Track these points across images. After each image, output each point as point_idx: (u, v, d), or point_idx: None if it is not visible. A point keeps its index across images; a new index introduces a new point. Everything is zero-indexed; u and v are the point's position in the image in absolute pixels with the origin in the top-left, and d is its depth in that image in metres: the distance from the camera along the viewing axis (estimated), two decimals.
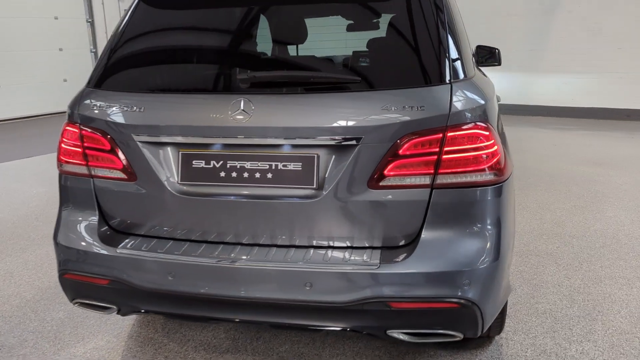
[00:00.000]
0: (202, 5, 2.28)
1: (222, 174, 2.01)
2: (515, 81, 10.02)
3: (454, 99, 1.89)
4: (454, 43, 2.03)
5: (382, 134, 1.89)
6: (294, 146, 1.96)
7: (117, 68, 2.21)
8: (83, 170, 2.16)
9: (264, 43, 2.18)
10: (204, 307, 2.05)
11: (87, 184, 2.17)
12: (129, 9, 2.30)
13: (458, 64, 2.01)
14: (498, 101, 3.08)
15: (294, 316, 1.99)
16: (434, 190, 1.91)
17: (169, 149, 2.06)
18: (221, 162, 2.01)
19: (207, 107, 2.01)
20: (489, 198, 1.94)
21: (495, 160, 1.93)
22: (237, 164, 2.00)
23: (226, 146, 2.01)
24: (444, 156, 1.89)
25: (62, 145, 2.18)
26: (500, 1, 9.98)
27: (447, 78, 1.93)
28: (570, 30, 9.43)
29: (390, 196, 1.92)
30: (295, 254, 1.98)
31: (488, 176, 1.93)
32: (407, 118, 1.87)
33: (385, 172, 1.90)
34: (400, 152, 1.89)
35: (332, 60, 2.13)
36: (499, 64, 4.40)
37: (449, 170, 1.90)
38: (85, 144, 2.14)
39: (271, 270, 1.94)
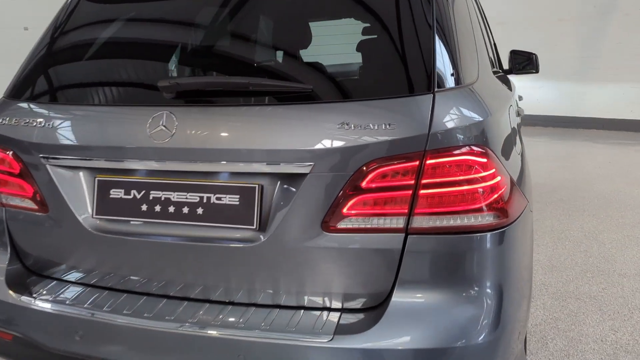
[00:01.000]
0: (130, 4, 1.86)
1: (144, 207, 1.58)
2: (565, 91, 9.23)
3: (437, 113, 1.40)
4: (443, 43, 1.53)
5: (339, 161, 1.41)
6: (230, 174, 1.52)
7: (38, 75, 1.82)
8: None
9: (200, 44, 1.73)
10: None
11: None
12: (61, 10, 1.92)
13: (447, 68, 1.51)
14: (519, 115, 2.54)
15: None
16: (409, 237, 1.42)
17: (81, 174, 1.65)
18: (143, 192, 1.58)
19: (126, 123, 1.59)
20: (487, 248, 1.43)
21: (495, 196, 1.42)
22: (162, 194, 1.57)
23: (149, 172, 1.59)
24: (422, 191, 1.40)
25: None
26: (551, 5, 9.24)
27: (429, 86, 1.44)
28: (628, 35, 8.59)
29: (350, 242, 1.44)
30: (228, 315, 1.52)
31: (485, 218, 1.42)
32: (372, 139, 1.39)
33: (344, 210, 1.43)
34: (363, 184, 1.41)
35: (281, 65, 1.67)
36: (537, 71, 3.81)
37: (429, 210, 1.40)
38: None
39: (198, 336, 1.49)
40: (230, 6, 1.72)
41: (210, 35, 1.72)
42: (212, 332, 1.47)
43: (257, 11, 1.72)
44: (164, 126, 1.52)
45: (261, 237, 1.49)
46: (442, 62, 1.49)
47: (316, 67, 1.57)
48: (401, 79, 1.47)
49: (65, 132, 1.65)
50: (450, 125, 1.40)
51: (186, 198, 1.54)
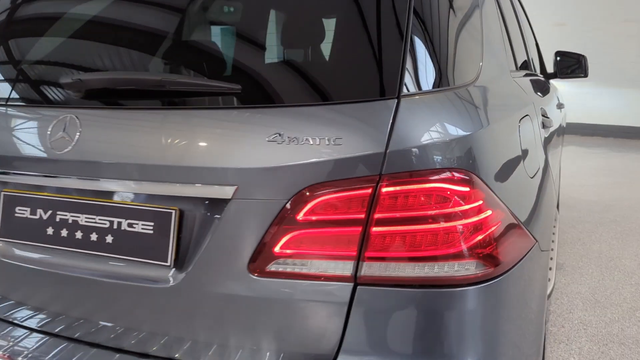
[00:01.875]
0: None
1: (50, 230, 1.30)
2: (629, 98, 8.47)
3: (401, 125, 1.04)
4: (420, 34, 1.16)
5: (270, 184, 1.08)
6: (142, 195, 1.21)
7: None
8: None
9: (121, 36, 1.41)
10: None
11: None
12: None
13: (423, 65, 1.14)
14: (546, 126, 2.12)
15: None
16: (358, 288, 1.07)
17: None
18: (49, 212, 1.30)
19: (29, 127, 1.31)
20: (467, 307, 1.06)
21: (479, 238, 1.05)
22: (69, 216, 1.28)
23: (56, 189, 1.30)
24: (375, 228, 1.04)
25: None
26: (616, 5, 8.51)
27: (392, 89, 1.08)
28: None
29: (283, 291, 1.10)
30: None
31: (464, 267, 1.05)
32: (312, 158, 1.05)
33: (275, 249, 1.09)
34: (300, 216, 1.07)
35: (210, 62, 1.33)
36: (585, 75, 3.33)
37: (384, 254, 1.05)
38: None
39: None
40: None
41: (132, 27, 1.40)
42: None
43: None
44: (66, 133, 1.22)
45: (176, 276, 1.17)
46: (415, 57, 1.13)
47: (251, 64, 1.23)
48: (355, 79, 1.12)
49: None
50: (418, 140, 1.04)
51: (95, 222, 1.25)
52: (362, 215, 1.04)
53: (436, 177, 1.04)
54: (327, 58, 1.19)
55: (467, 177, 1.06)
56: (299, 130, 1.06)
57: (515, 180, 1.27)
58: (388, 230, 1.04)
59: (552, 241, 2.63)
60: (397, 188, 1.03)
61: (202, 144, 1.13)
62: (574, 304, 3.03)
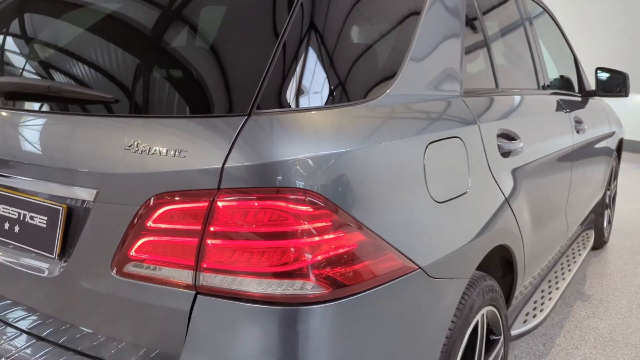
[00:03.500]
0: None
1: None
2: None
3: (243, 142, 1.07)
4: (294, 50, 1.17)
5: (125, 190, 1.15)
6: (35, 192, 1.32)
7: None
8: None
9: (43, 41, 1.54)
10: None
11: None
12: None
13: (293, 84, 1.15)
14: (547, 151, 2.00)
15: None
16: (198, 296, 1.11)
17: None
18: None
19: None
20: (282, 327, 1.06)
21: (318, 259, 1.06)
22: None
23: None
24: (209, 240, 1.08)
25: None
26: None
27: (244, 106, 1.10)
28: None
29: (138, 292, 1.16)
30: (16, 349, 1.32)
31: (300, 287, 1.06)
32: (159, 169, 1.10)
33: (131, 252, 1.15)
34: (149, 223, 1.12)
35: (96, 72, 1.40)
36: (626, 95, 3.11)
37: (218, 266, 1.08)
38: None
39: None
40: (58, 13, 1.52)
41: (44, 41, 1.52)
42: None
43: (85, 19, 1.49)
44: None
45: (58, 268, 1.27)
46: (287, 75, 1.15)
47: (121, 77, 1.30)
48: (210, 94, 1.16)
49: None
50: (261, 158, 1.06)
51: (8, 212, 1.38)
52: (199, 227, 1.08)
53: (274, 195, 1.06)
54: (185, 74, 1.23)
55: (310, 198, 1.06)
56: (151, 140, 1.12)
57: (397, 205, 1.24)
58: (224, 243, 1.07)
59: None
60: (234, 203, 1.06)
61: (72, 147, 1.23)
62: (586, 339, 2.83)
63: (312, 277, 1.06)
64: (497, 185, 1.71)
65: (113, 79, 1.30)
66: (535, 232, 2.14)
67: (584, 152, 2.88)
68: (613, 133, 3.75)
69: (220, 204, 1.06)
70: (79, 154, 1.21)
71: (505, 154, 1.82)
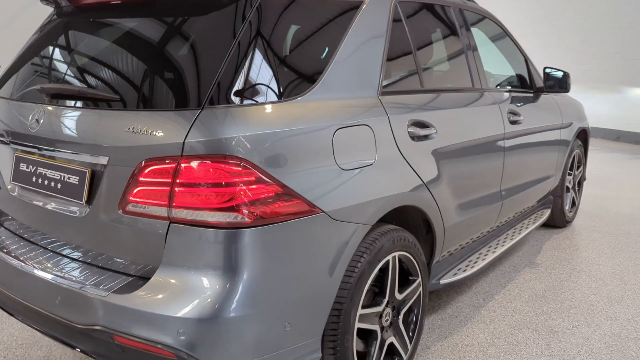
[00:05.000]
0: (52, 31, 2.41)
1: (34, 178, 2.12)
2: None
3: (197, 126, 1.69)
4: (235, 68, 1.79)
5: (126, 157, 1.79)
6: (73, 159, 1.98)
7: (5, 76, 2.45)
8: None
9: (70, 63, 2.24)
10: (8, 303, 2.17)
11: None
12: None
13: (232, 87, 1.77)
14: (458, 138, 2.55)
15: (53, 329, 1.99)
16: (170, 225, 1.74)
17: (8, 150, 2.24)
18: (33, 167, 2.12)
19: (24, 114, 2.14)
20: (222, 242, 1.69)
21: (232, 200, 1.67)
22: (43, 170, 2.08)
23: (38, 154, 2.11)
24: (177, 188, 1.71)
25: None
26: None
27: (199, 103, 1.73)
28: None
29: (134, 223, 1.81)
30: (60, 265, 1.99)
31: (221, 217, 1.68)
32: (145, 143, 1.74)
33: (130, 197, 1.80)
34: (140, 177, 1.76)
35: (108, 79, 2.06)
36: (567, 91, 3.69)
37: (183, 204, 1.71)
38: None
39: (40, 277, 1.98)
40: (88, 40, 2.21)
41: (82, 58, 2.20)
42: (44, 275, 1.95)
43: (100, 42, 2.16)
44: (36, 119, 2.03)
45: (86, 210, 1.93)
46: (229, 79, 1.76)
47: (126, 80, 1.95)
48: (178, 95, 1.79)
49: (1, 118, 2.26)
50: (209, 136, 1.68)
51: (53, 174, 2.04)
52: (170, 180, 1.71)
53: (218, 160, 1.67)
54: (162, 82, 1.87)
55: (243, 163, 1.68)
56: (141, 125, 1.75)
57: (310, 169, 1.85)
58: (186, 190, 1.70)
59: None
60: (192, 165, 1.69)
61: (93, 130, 1.88)
62: (521, 295, 3.38)
63: (242, 211, 1.68)
64: (406, 161, 2.29)
65: (116, 84, 1.96)
66: (456, 202, 2.70)
67: (522, 140, 3.41)
68: (569, 124, 4.25)
69: (183, 165, 1.69)
70: (98, 135, 1.86)
71: (419, 138, 2.40)
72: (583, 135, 4.72)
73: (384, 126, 2.21)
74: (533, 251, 4.16)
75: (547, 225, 4.65)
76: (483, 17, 3.50)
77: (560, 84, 3.68)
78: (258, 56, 1.86)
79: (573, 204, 4.73)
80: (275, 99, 1.87)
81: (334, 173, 1.95)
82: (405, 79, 2.55)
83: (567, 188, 4.54)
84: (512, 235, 3.58)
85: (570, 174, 4.56)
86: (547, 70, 3.74)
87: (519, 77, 3.82)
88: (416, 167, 2.35)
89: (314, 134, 1.91)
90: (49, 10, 2.50)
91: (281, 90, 1.91)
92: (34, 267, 2.01)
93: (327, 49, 2.11)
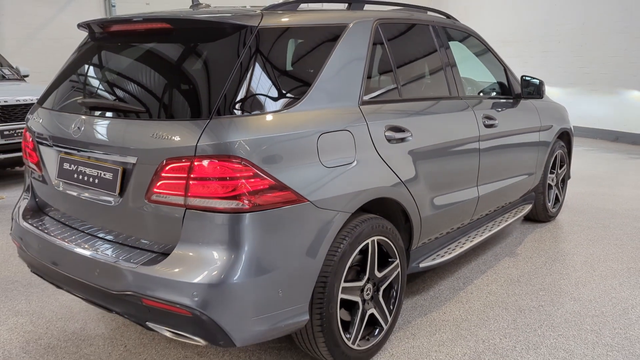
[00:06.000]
0: (87, 52, 2.89)
1: (75, 175, 2.59)
2: None
3: (207, 134, 2.14)
4: (237, 85, 2.23)
5: (151, 157, 2.24)
6: (106, 159, 2.44)
7: (48, 91, 2.94)
8: (26, 161, 2.98)
9: (107, 80, 2.72)
10: (54, 276, 2.66)
11: (27, 172, 2.99)
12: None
13: (238, 99, 2.21)
14: (430, 142, 2.97)
15: (93, 295, 2.47)
16: (186, 211, 2.20)
17: (53, 151, 2.72)
18: (75, 166, 2.59)
19: (68, 123, 2.61)
20: (227, 224, 2.14)
21: (234, 191, 2.12)
22: (83, 169, 2.56)
23: (78, 155, 2.59)
24: (191, 182, 2.17)
25: (23, 142, 3.03)
26: None
27: (208, 114, 2.18)
28: None
29: (157, 210, 2.27)
30: (97, 245, 2.47)
31: (226, 204, 2.13)
32: (167, 146, 2.20)
33: (154, 189, 2.26)
34: (162, 173, 2.22)
35: (137, 94, 2.53)
36: (540, 97, 4.11)
37: (196, 194, 2.16)
38: (25, 143, 2.95)
39: (81, 254, 2.45)
40: (117, 61, 2.68)
41: (113, 75, 2.68)
42: (87, 254, 2.42)
43: (127, 63, 2.64)
44: (78, 127, 2.51)
45: (119, 200, 2.40)
46: (232, 95, 2.21)
47: (150, 95, 2.42)
48: (192, 107, 2.25)
49: (46, 126, 2.74)
50: (217, 141, 2.14)
51: (91, 171, 2.52)
52: (186, 175, 2.17)
53: (223, 159, 2.13)
54: (184, 97, 2.33)
55: (244, 162, 2.13)
56: (163, 131, 2.21)
57: (298, 167, 2.29)
58: (198, 183, 2.15)
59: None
60: (203, 163, 2.14)
61: (124, 136, 2.34)
62: (497, 280, 3.79)
63: (243, 199, 2.13)
64: (383, 160, 2.73)
65: (142, 98, 2.43)
66: (431, 196, 3.13)
67: (498, 142, 3.82)
68: (549, 127, 4.65)
69: (196, 163, 2.14)
70: (128, 139, 2.32)
71: (396, 141, 2.84)
72: (566, 137, 5.10)
73: (363, 131, 2.65)
74: (515, 242, 4.56)
75: (531, 219, 5.05)
76: (466, 33, 3.93)
77: (536, 91, 4.09)
78: (255, 75, 2.31)
79: (557, 200, 5.11)
80: (270, 110, 2.32)
81: (318, 170, 2.39)
82: (383, 90, 2.99)
83: (550, 185, 4.93)
84: (492, 227, 3.99)
85: (552, 173, 4.94)
86: (526, 78, 4.15)
87: (500, 84, 4.23)
88: (393, 165, 2.79)
89: (301, 138, 2.36)
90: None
91: (274, 103, 2.36)
92: (76, 247, 2.48)
93: (313, 68, 2.56)
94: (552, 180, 4.97)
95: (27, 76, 7.92)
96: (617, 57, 9.36)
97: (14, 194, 6.34)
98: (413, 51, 3.37)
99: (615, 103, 9.50)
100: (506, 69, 4.23)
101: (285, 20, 2.54)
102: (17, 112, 6.50)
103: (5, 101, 6.42)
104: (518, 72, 4.71)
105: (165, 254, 2.27)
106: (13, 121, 6.47)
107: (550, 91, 10.21)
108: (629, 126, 9.31)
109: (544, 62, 10.55)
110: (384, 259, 2.86)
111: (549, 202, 4.95)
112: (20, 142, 6.47)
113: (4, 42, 10.36)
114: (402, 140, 2.89)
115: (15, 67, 7.91)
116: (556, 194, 5.08)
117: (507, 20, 10.77)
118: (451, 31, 3.74)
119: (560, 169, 5.09)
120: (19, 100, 6.53)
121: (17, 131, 6.46)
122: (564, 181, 5.25)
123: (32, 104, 6.53)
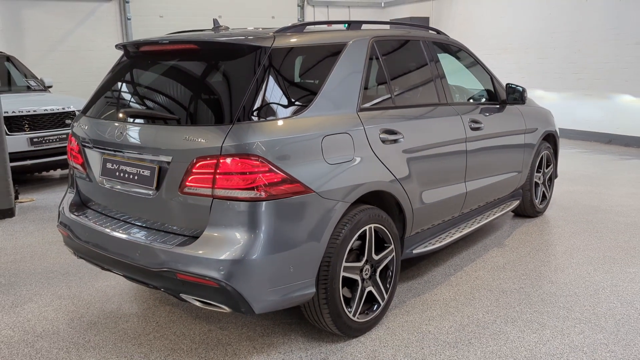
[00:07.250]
0: (123, 68, 3.38)
1: (117, 173, 3.07)
2: None
3: (230, 136, 2.60)
4: (254, 96, 2.70)
5: (184, 156, 2.71)
6: (144, 159, 2.92)
7: (91, 101, 3.43)
8: (71, 162, 3.47)
9: (142, 92, 3.22)
10: (99, 258, 3.13)
11: (72, 171, 3.48)
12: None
13: (256, 106, 2.68)
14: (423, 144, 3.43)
15: (134, 273, 2.94)
16: (213, 200, 2.67)
17: (97, 154, 3.21)
18: (116, 165, 3.07)
19: (110, 128, 3.09)
20: (247, 211, 2.60)
21: (253, 183, 2.58)
22: (124, 167, 3.03)
23: (118, 155, 3.06)
24: (217, 176, 2.63)
25: (68, 146, 3.52)
26: None
27: (230, 120, 2.64)
28: None
29: (189, 200, 2.73)
30: (137, 231, 2.94)
31: (246, 194, 2.59)
32: (197, 146, 2.67)
33: (186, 182, 2.72)
34: (193, 169, 2.69)
35: (167, 104, 3.02)
36: (523, 103, 4.56)
37: (221, 187, 2.63)
38: (70, 147, 3.44)
39: (124, 239, 2.92)
40: (151, 76, 3.17)
41: (147, 89, 3.17)
42: (129, 238, 2.90)
43: (159, 77, 3.12)
44: (120, 132, 2.99)
45: (155, 193, 2.87)
46: (250, 104, 2.68)
47: (180, 105, 2.90)
48: (216, 115, 2.72)
49: (91, 132, 3.23)
50: (238, 142, 2.60)
51: (131, 170, 2.99)
52: (213, 170, 2.63)
53: (244, 157, 2.59)
54: (210, 105, 2.80)
55: (261, 159, 2.60)
56: (194, 134, 2.68)
57: (305, 163, 2.75)
58: (223, 177, 2.62)
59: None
60: (227, 161, 2.61)
61: (160, 139, 2.81)
62: (485, 267, 4.23)
63: (260, 190, 2.59)
64: (378, 158, 3.19)
65: (174, 108, 2.90)
66: (421, 190, 3.58)
67: (484, 143, 4.27)
68: (534, 129, 5.08)
69: (221, 161, 2.61)
70: (163, 142, 2.79)
71: (389, 142, 3.30)
72: (552, 139, 5.54)
73: (361, 134, 3.11)
74: (504, 235, 5.00)
75: (521, 215, 5.48)
76: (456, 47, 4.40)
77: (520, 97, 4.54)
78: (269, 87, 2.78)
79: (544, 197, 5.54)
80: (282, 116, 2.79)
81: (322, 166, 2.85)
82: (379, 99, 3.46)
83: (537, 183, 5.36)
84: (480, 220, 4.43)
85: (539, 172, 5.38)
86: (511, 85, 4.60)
87: (488, 92, 4.68)
88: (386, 163, 3.25)
89: (308, 140, 2.82)
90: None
91: (285, 110, 2.82)
92: (120, 233, 2.96)
93: (318, 81, 3.03)
94: (539, 178, 5.40)
95: (50, 87, 8.44)
96: (609, 63, 9.79)
97: (43, 196, 6.84)
98: (405, 64, 3.83)
99: (608, 107, 9.92)
100: (492, 78, 4.68)
101: (293, 40, 3.02)
102: (44, 120, 7.01)
103: (34, 111, 6.94)
104: (515, 77, 5.19)
105: (195, 237, 2.73)
106: (41, 129, 6.98)
107: (546, 96, 10.67)
108: (622, 129, 9.72)
109: (541, 69, 10.99)
110: (381, 244, 3.30)
111: (536, 198, 5.38)
112: (47, 149, 6.99)
113: (26, 54, 10.93)
114: (395, 141, 3.34)
115: (40, 78, 8.44)
116: (543, 191, 5.51)
117: (505, 29, 11.24)
118: (442, 45, 4.21)
119: (547, 168, 5.52)
120: (46, 110, 7.04)
121: (45, 138, 6.96)
122: (550, 179, 5.67)
123: (57, 112, 7.06)
